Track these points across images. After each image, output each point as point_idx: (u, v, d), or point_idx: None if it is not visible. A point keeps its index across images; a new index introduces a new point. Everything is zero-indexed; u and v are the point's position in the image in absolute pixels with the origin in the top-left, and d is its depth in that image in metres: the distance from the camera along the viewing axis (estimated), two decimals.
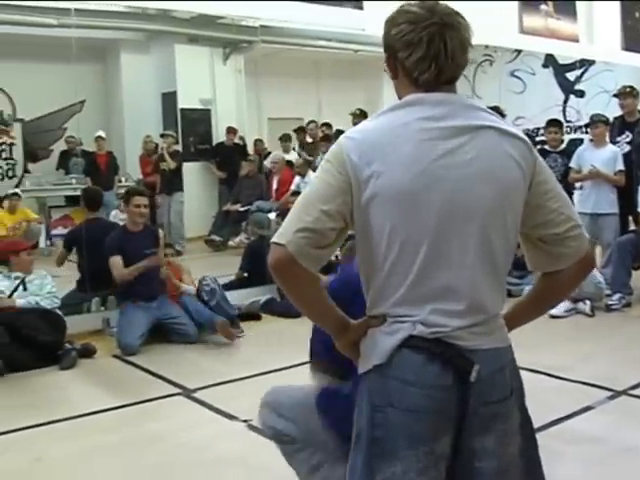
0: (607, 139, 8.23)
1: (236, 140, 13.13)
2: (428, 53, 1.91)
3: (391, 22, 1.98)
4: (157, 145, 12.18)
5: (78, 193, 10.96)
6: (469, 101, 2.01)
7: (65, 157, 12.15)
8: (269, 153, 12.69)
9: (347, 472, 2.03)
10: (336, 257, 8.15)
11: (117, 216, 9.81)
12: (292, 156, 12.36)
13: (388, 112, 1.96)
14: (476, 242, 1.90)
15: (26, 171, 12.22)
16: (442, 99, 1.95)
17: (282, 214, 9.20)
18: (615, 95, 8.92)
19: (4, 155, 11.97)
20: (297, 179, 11.07)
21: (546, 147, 8.67)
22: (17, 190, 11.07)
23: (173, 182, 11.84)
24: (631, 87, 8.58)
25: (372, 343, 1.97)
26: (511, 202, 1.94)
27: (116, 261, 6.71)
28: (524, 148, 1.97)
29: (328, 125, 12.58)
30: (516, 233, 2.00)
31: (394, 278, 1.91)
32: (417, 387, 1.88)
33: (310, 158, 11.69)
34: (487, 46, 11.66)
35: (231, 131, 13.02)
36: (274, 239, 1.90)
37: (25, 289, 6.45)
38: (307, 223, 1.86)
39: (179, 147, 12.74)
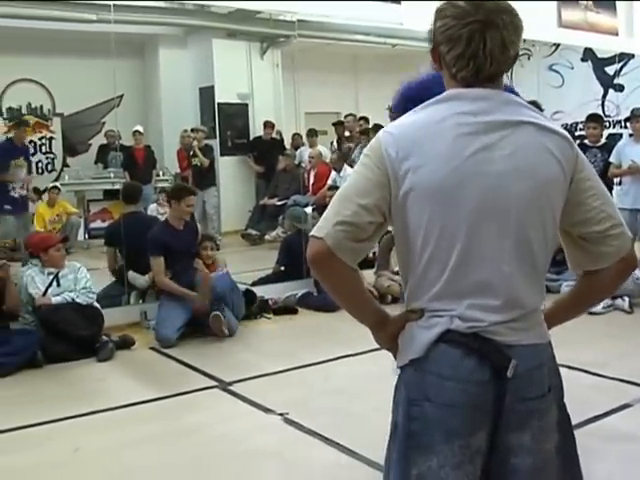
0: None
1: (274, 134, 13.15)
2: (467, 51, 1.89)
3: (438, 13, 1.97)
4: (194, 139, 12.24)
5: (116, 187, 11.09)
6: (509, 96, 1.99)
7: (103, 151, 12.24)
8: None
9: (384, 464, 2.04)
10: (373, 253, 8.19)
11: (155, 210, 9.87)
12: (322, 150, 12.35)
13: (427, 107, 1.96)
14: (513, 238, 1.89)
15: (65, 165, 12.35)
16: (481, 95, 1.93)
17: (319, 208, 9.20)
18: None
19: (44, 149, 12.11)
20: (333, 174, 11.06)
21: (585, 142, 8.58)
22: (57, 183, 11.19)
23: (206, 177, 11.88)
24: None
25: (409, 337, 1.97)
26: (550, 198, 1.92)
27: (159, 263, 6.78)
28: (564, 144, 1.95)
29: (365, 119, 12.55)
30: (555, 230, 1.98)
31: (431, 273, 1.90)
32: (453, 382, 1.87)
33: (344, 151, 11.69)
34: (525, 40, 11.57)
35: (269, 125, 13.02)
36: (313, 232, 1.90)
37: (59, 285, 6.49)
38: (345, 217, 1.86)
39: (215, 142, 12.79)
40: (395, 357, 2.06)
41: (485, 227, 1.88)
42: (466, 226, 1.87)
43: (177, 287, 6.74)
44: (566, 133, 1.99)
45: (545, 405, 1.95)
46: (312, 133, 12.86)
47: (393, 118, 2.85)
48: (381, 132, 1.95)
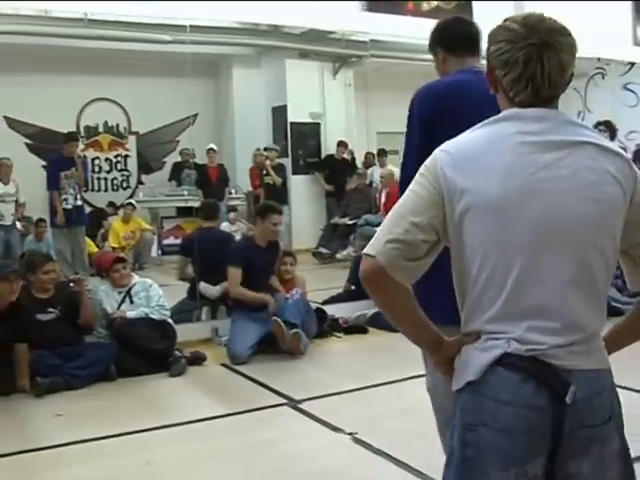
0: None
1: (345, 154, 13.18)
2: (524, 74, 1.88)
3: (491, 38, 1.96)
4: (267, 158, 12.34)
5: (189, 204, 11.24)
6: (568, 117, 1.96)
7: (177, 169, 12.44)
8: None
9: None
10: None
11: (227, 227, 9.97)
12: (393, 170, 12.32)
13: (486, 126, 1.94)
14: (572, 259, 1.85)
15: (140, 182, 12.57)
16: (540, 115, 1.91)
17: None
18: None
19: (119, 167, 12.36)
20: None
21: None
22: (132, 200, 11.38)
23: (278, 196, 11.95)
24: None
25: (466, 360, 1.93)
26: (609, 219, 1.88)
27: (236, 275, 6.80)
28: (624, 164, 1.91)
29: None
30: (616, 251, 1.93)
31: (488, 294, 1.87)
32: (511, 406, 1.83)
33: None
34: (599, 59, 11.42)
35: (342, 145, 13.06)
36: (365, 250, 1.89)
37: (132, 301, 6.59)
38: (397, 234, 1.85)
39: (287, 160, 12.87)
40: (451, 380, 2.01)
41: (543, 248, 1.84)
42: (524, 246, 1.84)
43: (252, 293, 6.77)
44: (625, 154, 1.95)
45: (605, 433, 1.89)
46: (382, 153, 12.87)
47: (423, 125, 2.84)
48: (437, 151, 1.94)
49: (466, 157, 1.88)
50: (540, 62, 1.87)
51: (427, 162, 1.94)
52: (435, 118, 2.92)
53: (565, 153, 1.86)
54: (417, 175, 1.93)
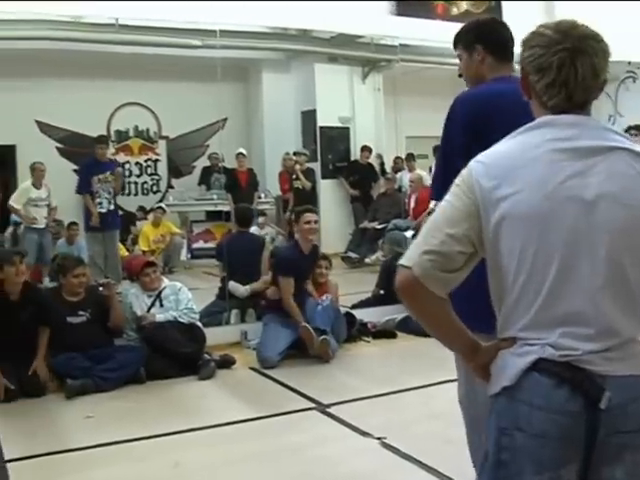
0: None
1: (372, 159, 13.17)
2: (557, 78, 1.90)
3: (525, 44, 1.98)
4: (296, 162, 12.35)
5: (219, 208, 11.28)
6: (601, 123, 1.97)
7: (206, 173, 12.47)
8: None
9: None
10: None
11: (257, 231, 9.98)
12: (422, 175, 12.30)
13: (519, 134, 1.95)
14: (606, 265, 1.84)
15: (170, 186, 12.62)
16: (573, 121, 1.91)
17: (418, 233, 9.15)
18: None
19: (149, 171, 12.41)
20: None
21: None
22: (162, 204, 11.44)
23: (307, 200, 11.95)
24: None
25: (502, 365, 1.94)
26: None
27: (289, 283, 6.82)
28: None
29: None
30: None
31: (523, 301, 1.88)
32: (545, 411, 1.82)
33: None
34: (630, 62, 11.32)
35: (366, 149, 13.06)
36: (401, 261, 1.90)
37: (162, 305, 6.63)
38: (433, 246, 1.86)
39: (317, 165, 12.88)
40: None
41: (578, 254, 1.84)
42: (559, 253, 1.84)
43: (297, 311, 6.77)
44: None
45: (639, 440, 1.87)
46: (410, 157, 12.85)
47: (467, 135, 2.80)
48: (472, 161, 1.94)
49: (500, 166, 1.89)
50: (573, 67, 1.87)
51: (463, 172, 1.95)
52: (480, 123, 2.85)
53: (598, 159, 1.86)
54: (453, 186, 1.95)
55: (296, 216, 7.22)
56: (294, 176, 12.05)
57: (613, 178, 1.85)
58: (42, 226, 9.80)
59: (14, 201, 9.80)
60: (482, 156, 1.95)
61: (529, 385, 1.85)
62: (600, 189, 1.84)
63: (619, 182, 1.85)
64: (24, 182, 10.14)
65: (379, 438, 4.68)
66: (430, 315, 1.97)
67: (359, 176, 12.99)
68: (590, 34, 1.91)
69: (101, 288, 6.56)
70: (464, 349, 2.07)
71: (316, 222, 7.09)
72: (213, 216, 11.89)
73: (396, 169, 13.13)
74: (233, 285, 7.58)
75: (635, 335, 1.91)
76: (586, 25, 1.93)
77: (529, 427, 1.83)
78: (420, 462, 4.29)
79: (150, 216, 11.45)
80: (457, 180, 1.95)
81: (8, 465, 4.40)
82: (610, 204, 1.84)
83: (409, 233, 10.04)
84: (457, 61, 3.41)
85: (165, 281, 6.90)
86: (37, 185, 9.81)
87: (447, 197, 1.95)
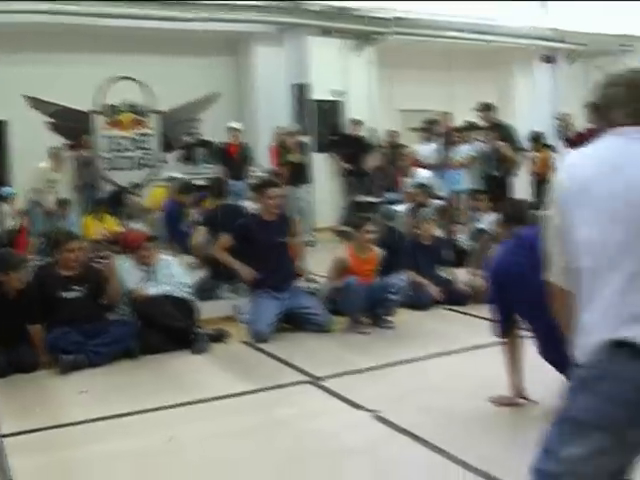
0: None
1: (363, 132, 13.13)
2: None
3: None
4: (289, 135, 12.30)
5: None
6: None
7: (190, 149, 12.36)
8: (401, 145, 12.62)
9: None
10: (463, 251, 8.10)
11: (250, 206, 9.95)
12: (430, 147, 12.28)
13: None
14: None
15: (162, 160, 12.54)
16: None
17: (412, 207, 9.14)
18: None
19: (141, 145, 12.31)
20: (423, 172, 11.01)
21: None
22: (174, 174, 11.29)
23: (299, 174, 11.94)
24: None
25: None
26: None
27: (226, 239, 6.94)
28: None
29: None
30: None
31: None
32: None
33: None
34: (624, 36, 11.27)
35: (355, 122, 13.02)
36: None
37: (156, 279, 6.60)
38: None
39: (309, 139, 12.83)
40: None
41: None
42: None
43: (231, 259, 6.90)
44: None
45: None
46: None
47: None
48: None
49: None
50: None
51: None
52: None
53: None
54: None
55: (259, 189, 7.15)
56: (287, 150, 11.99)
57: None
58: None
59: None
60: None
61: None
62: None
63: None
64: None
65: (373, 411, 4.68)
66: None
67: (350, 149, 12.96)
68: None
69: (101, 260, 6.51)
70: None
71: (280, 197, 7.03)
72: (204, 190, 11.82)
73: (390, 143, 13.09)
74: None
75: None
76: None
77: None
78: (414, 435, 4.29)
79: (143, 192, 11.42)
80: None
81: (3, 440, 4.40)
82: None
83: (401, 207, 10.04)
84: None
85: (159, 255, 6.87)
86: (57, 169, 9.96)
87: None
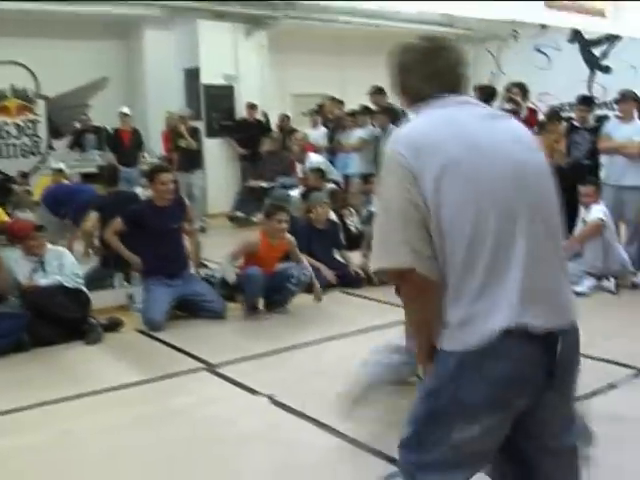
0: (635, 115, 8.14)
1: (258, 116, 13.12)
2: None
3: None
4: (180, 120, 12.19)
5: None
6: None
7: (79, 135, 12.14)
8: (293, 129, 12.67)
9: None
10: (361, 234, 8.22)
11: (141, 193, 9.83)
12: (320, 131, 12.36)
13: None
14: None
15: (50, 147, 12.28)
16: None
17: (305, 191, 9.19)
18: None
19: (28, 132, 12.04)
20: (313, 156, 11.09)
21: (574, 123, 8.64)
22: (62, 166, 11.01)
23: (191, 159, 11.87)
24: None
25: None
26: None
27: (117, 223, 6.84)
28: None
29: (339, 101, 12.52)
30: None
31: None
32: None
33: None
34: (513, 21, 11.58)
35: (251, 107, 13.00)
36: None
37: (45, 270, 6.42)
38: None
39: (202, 124, 12.75)
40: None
41: None
42: None
43: (122, 247, 6.84)
44: None
45: None
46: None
47: None
48: None
49: None
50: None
51: None
52: None
53: None
54: None
55: (150, 175, 7.08)
56: (174, 133, 11.87)
57: None
58: None
59: None
60: None
61: None
62: None
63: None
64: None
65: (268, 396, 4.73)
66: None
67: (247, 134, 12.94)
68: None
69: None
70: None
71: (173, 182, 6.99)
72: (92, 177, 11.60)
73: (282, 127, 13.12)
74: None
75: None
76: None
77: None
78: (310, 418, 4.36)
79: (30, 181, 11.12)
80: None
81: None
82: None
83: (295, 191, 10.10)
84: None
85: (48, 246, 6.72)
86: None
87: None
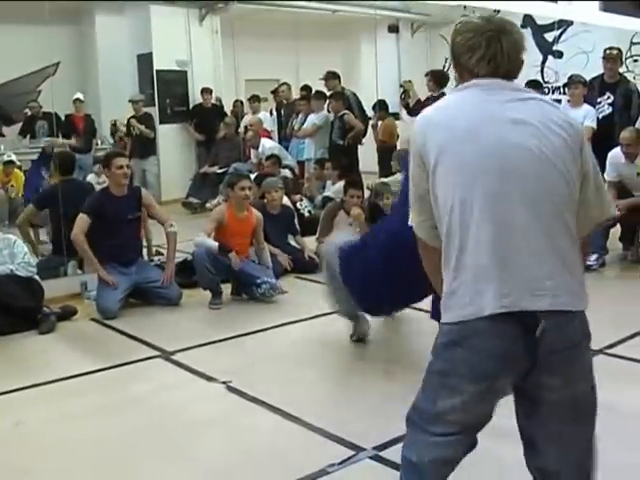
0: (582, 100, 8.25)
1: (213, 101, 13.06)
2: (486, 53, 2.37)
3: (456, 32, 2.45)
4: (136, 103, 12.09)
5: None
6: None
7: (30, 122, 11.95)
8: (245, 114, 12.64)
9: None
10: (315, 219, 8.22)
11: (94, 179, 9.75)
12: (262, 117, 12.36)
13: None
14: None
15: (1, 135, 12.08)
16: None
17: (258, 177, 9.16)
18: (604, 58, 8.87)
19: None
20: (268, 142, 11.08)
21: None
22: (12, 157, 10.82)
23: (145, 146, 11.77)
24: (619, 50, 8.66)
25: None
26: None
27: (83, 220, 6.56)
28: None
29: (307, 88, 12.44)
30: None
31: None
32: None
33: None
34: (465, 7, 11.63)
35: (206, 91, 12.92)
36: None
37: None
38: None
39: (155, 110, 12.66)
40: None
41: None
42: None
43: (91, 254, 6.59)
44: None
45: None
46: (255, 99, 12.85)
47: None
48: None
49: None
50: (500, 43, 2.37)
51: None
52: None
53: None
54: None
55: (106, 160, 6.94)
56: (127, 121, 11.79)
57: None
58: None
59: None
60: None
61: None
62: None
63: None
64: None
65: (224, 382, 4.74)
66: None
67: (202, 119, 12.88)
68: (508, 21, 2.46)
69: None
70: None
71: (128, 167, 6.90)
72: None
73: (235, 113, 13.07)
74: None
75: None
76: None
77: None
78: (266, 403, 4.38)
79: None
80: None
81: None
82: None
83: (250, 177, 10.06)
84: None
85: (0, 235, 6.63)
86: None
87: None
